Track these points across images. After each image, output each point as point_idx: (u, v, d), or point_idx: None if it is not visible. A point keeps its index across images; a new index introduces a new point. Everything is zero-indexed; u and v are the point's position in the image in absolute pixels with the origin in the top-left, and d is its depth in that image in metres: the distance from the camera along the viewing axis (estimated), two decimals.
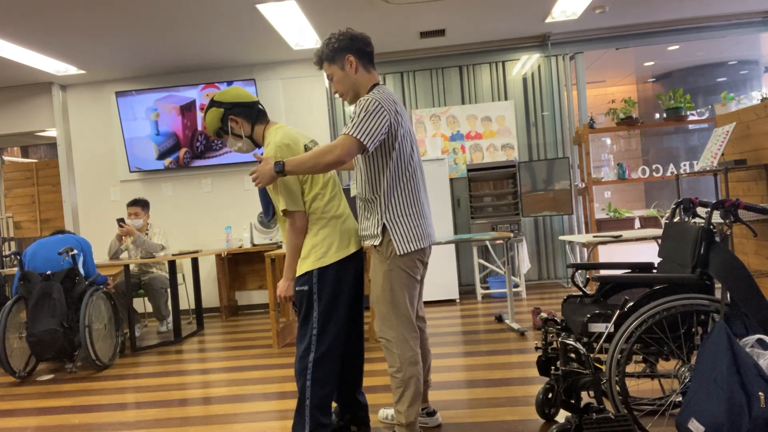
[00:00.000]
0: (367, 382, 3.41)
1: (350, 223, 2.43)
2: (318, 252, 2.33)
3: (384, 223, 2.27)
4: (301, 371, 2.32)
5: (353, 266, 2.41)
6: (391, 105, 2.23)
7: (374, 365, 3.76)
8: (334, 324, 2.34)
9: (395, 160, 2.26)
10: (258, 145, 2.49)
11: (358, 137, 2.13)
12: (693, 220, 2.50)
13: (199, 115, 6.05)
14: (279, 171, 2.17)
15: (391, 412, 2.75)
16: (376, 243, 2.30)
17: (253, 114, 2.44)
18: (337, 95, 2.38)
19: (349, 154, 2.12)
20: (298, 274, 2.36)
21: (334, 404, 2.81)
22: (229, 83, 5.98)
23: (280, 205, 2.30)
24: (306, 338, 2.33)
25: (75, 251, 4.17)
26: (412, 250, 2.27)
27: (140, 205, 5.24)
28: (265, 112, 2.50)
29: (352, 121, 2.18)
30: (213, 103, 2.43)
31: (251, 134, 2.46)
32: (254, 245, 5.83)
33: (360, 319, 2.57)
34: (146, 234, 5.29)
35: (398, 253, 2.26)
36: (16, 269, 4.16)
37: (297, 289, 2.36)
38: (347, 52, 2.31)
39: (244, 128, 2.44)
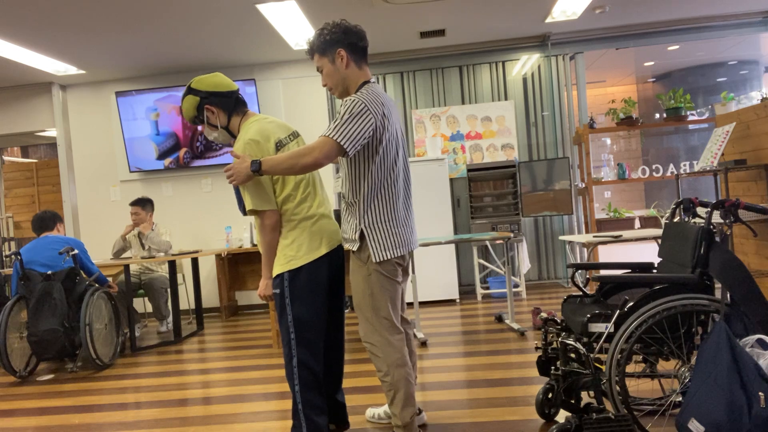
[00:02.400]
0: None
1: (323, 224, 2.35)
2: (288, 254, 2.27)
3: (362, 229, 2.23)
4: (289, 376, 2.31)
5: (326, 267, 2.34)
6: (378, 107, 2.15)
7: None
8: (311, 326, 2.29)
9: (378, 165, 2.19)
10: (234, 136, 2.41)
11: (338, 140, 2.05)
12: (693, 220, 2.50)
13: None
14: (255, 170, 2.10)
15: (378, 411, 2.76)
16: (354, 248, 2.27)
17: (230, 104, 2.34)
18: (326, 88, 2.32)
19: (327, 157, 2.06)
20: (272, 276, 2.33)
21: None
22: None
23: (248, 204, 2.23)
24: (286, 343, 2.30)
25: (76, 251, 4.17)
26: (389, 258, 2.23)
27: (140, 204, 5.23)
28: (244, 102, 2.40)
29: (335, 121, 2.10)
30: (190, 90, 2.33)
31: (227, 125, 2.37)
32: (254, 245, 5.83)
33: (339, 320, 2.54)
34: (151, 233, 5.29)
35: (374, 260, 2.22)
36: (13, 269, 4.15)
37: (273, 291, 2.32)
38: (339, 45, 2.22)
39: (220, 119, 2.35)
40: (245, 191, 2.23)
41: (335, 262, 2.42)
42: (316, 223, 2.33)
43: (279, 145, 2.30)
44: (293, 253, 2.27)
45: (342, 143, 2.06)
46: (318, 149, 2.05)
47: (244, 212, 2.34)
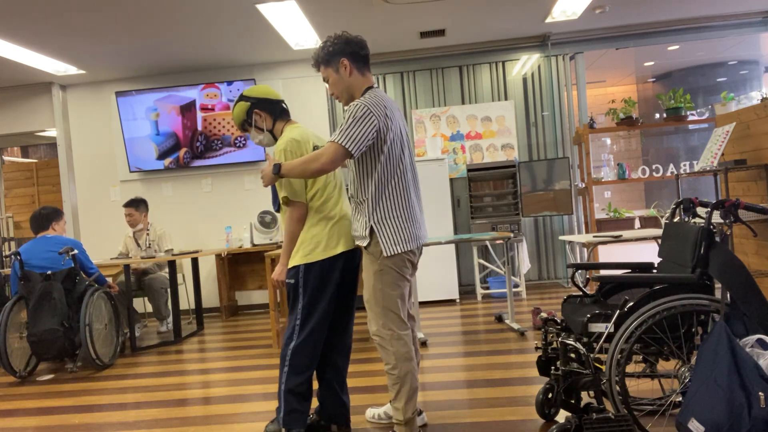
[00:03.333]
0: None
1: (343, 225, 2.51)
2: (306, 249, 2.45)
3: (371, 226, 2.33)
4: (282, 357, 2.46)
5: (341, 266, 2.49)
6: (381, 109, 2.27)
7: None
8: (315, 317, 2.45)
9: (383, 164, 2.30)
10: (277, 140, 2.62)
11: (343, 144, 2.19)
12: (693, 220, 2.50)
13: (199, 115, 6.05)
14: (276, 173, 2.29)
15: (378, 411, 2.79)
16: (365, 244, 2.36)
17: (276, 110, 2.59)
18: (333, 97, 2.45)
19: (334, 162, 2.21)
20: (288, 267, 2.49)
21: (316, 402, 2.85)
22: (229, 83, 5.99)
23: (283, 192, 2.42)
24: (290, 327, 2.47)
25: (76, 251, 4.17)
26: (399, 252, 2.32)
27: (134, 205, 5.22)
28: (288, 111, 2.64)
29: (340, 126, 2.24)
30: (241, 98, 2.59)
31: (272, 128, 2.60)
32: (254, 245, 5.84)
33: (348, 319, 2.64)
34: (147, 233, 5.29)
35: (385, 254, 2.31)
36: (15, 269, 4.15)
37: (286, 280, 2.49)
38: (342, 55, 2.37)
39: (266, 122, 2.59)
40: (282, 183, 2.43)
41: (351, 262, 2.56)
42: (337, 223, 2.49)
43: (315, 149, 2.51)
44: (311, 248, 2.44)
45: (347, 147, 2.20)
46: (325, 155, 2.21)
47: (276, 207, 2.57)
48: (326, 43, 2.40)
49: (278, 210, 2.57)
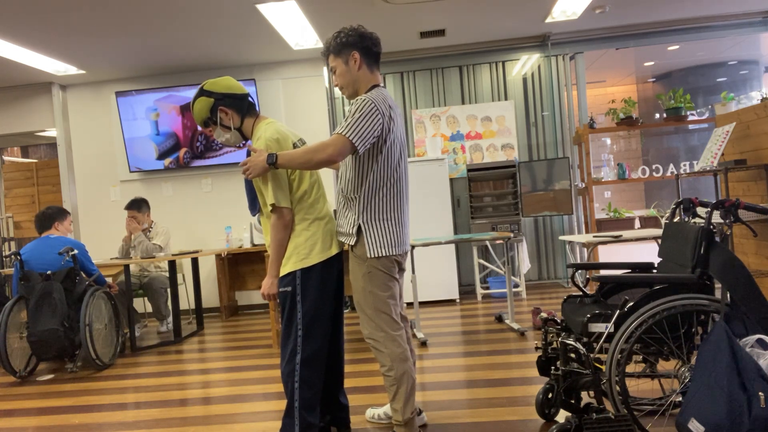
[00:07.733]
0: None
1: (332, 225, 2.44)
2: (301, 252, 2.31)
3: (360, 224, 2.30)
4: (288, 374, 2.31)
5: (335, 267, 2.41)
6: (386, 109, 2.25)
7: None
8: (318, 325, 2.34)
9: (380, 164, 2.28)
10: (246, 138, 2.45)
11: (351, 138, 2.14)
12: (693, 220, 2.50)
13: None
14: (271, 163, 2.16)
15: (378, 411, 2.78)
16: (351, 243, 2.33)
17: (244, 106, 2.40)
18: (336, 88, 2.40)
19: (341, 153, 2.13)
20: (281, 275, 2.34)
21: None
22: None
23: (269, 199, 2.25)
24: (291, 340, 2.32)
25: (76, 251, 4.17)
26: (383, 255, 2.29)
27: (135, 207, 5.21)
28: (255, 106, 2.46)
29: (347, 120, 2.19)
30: (203, 92, 2.37)
31: (240, 126, 2.41)
32: (254, 245, 5.83)
33: (340, 320, 2.58)
34: (148, 233, 5.28)
35: (368, 255, 2.28)
36: (14, 269, 4.15)
37: (280, 289, 2.34)
38: (354, 48, 2.33)
39: (233, 120, 2.39)
40: (266, 186, 2.25)
41: (341, 262, 2.48)
42: (328, 223, 2.41)
43: (294, 148, 2.39)
44: (307, 251, 2.32)
45: (354, 141, 2.15)
46: (332, 146, 2.13)
47: (254, 212, 2.40)
48: (340, 33, 2.35)
49: (257, 213, 2.40)
